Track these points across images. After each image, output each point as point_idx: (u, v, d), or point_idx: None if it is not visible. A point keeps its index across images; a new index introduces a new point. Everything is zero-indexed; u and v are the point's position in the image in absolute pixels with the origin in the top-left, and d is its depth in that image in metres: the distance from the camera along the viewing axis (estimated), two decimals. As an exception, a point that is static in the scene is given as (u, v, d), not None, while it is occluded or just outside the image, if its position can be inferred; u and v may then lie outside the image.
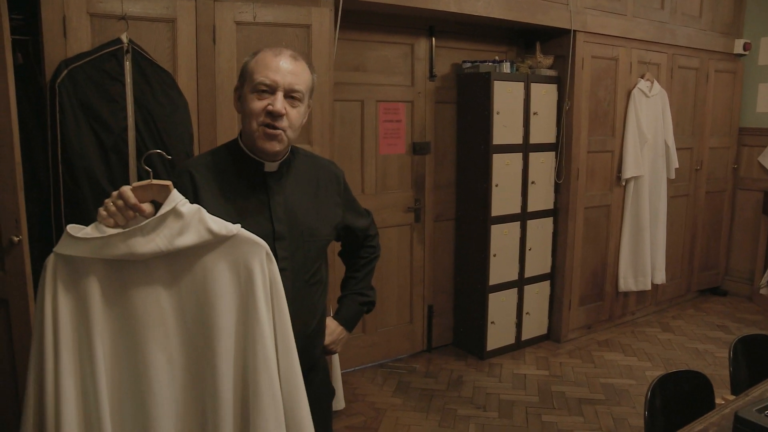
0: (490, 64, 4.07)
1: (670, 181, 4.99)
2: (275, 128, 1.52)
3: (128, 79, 2.56)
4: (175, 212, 1.32)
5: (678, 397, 2.05)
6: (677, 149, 4.98)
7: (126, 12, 2.60)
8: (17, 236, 2.22)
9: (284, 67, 1.52)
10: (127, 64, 2.56)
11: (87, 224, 1.32)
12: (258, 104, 1.51)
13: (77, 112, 2.46)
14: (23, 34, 2.53)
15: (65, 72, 2.44)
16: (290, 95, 1.53)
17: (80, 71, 2.47)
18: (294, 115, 1.55)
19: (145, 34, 2.67)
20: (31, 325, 2.28)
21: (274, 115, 1.50)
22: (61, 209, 2.46)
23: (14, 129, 2.20)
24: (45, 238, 2.51)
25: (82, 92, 2.47)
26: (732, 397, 2.15)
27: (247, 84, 1.55)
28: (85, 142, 2.48)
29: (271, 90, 1.51)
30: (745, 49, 5.47)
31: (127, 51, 2.56)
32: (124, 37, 2.56)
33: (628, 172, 4.64)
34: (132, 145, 2.57)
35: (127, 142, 2.56)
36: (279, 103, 1.50)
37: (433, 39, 4.10)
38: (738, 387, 2.33)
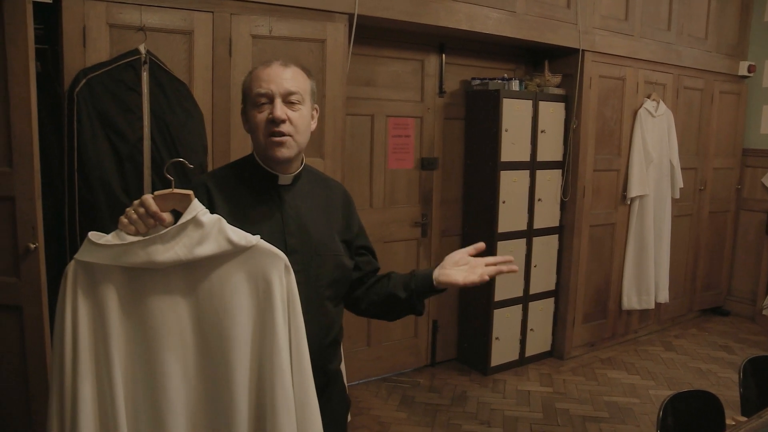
0: (499, 81, 4.10)
1: (674, 201, 5.02)
2: (281, 134, 1.54)
3: (145, 90, 2.58)
4: (195, 221, 1.32)
5: (689, 416, 2.06)
6: (682, 169, 5.01)
7: (144, 23, 2.64)
8: (34, 243, 2.23)
9: (276, 74, 1.55)
10: (145, 75, 2.58)
11: (101, 232, 1.32)
12: (260, 116, 1.54)
13: (94, 122, 2.48)
14: (42, 43, 2.56)
15: (84, 81, 2.47)
16: (288, 100, 1.55)
17: (98, 81, 2.50)
18: (297, 119, 1.56)
19: (162, 46, 2.70)
20: (44, 332, 2.29)
21: (276, 122, 1.52)
22: (75, 217, 2.48)
23: (34, 137, 2.22)
24: (59, 246, 2.52)
25: (100, 102, 2.49)
26: (742, 418, 2.15)
27: (248, 102, 1.58)
28: (101, 151, 2.49)
29: (269, 99, 1.54)
30: (749, 71, 5.52)
31: (145, 62, 2.58)
32: (141, 48, 2.59)
33: (634, 191, 4.67)
34: (147, 155, 2.59)
35: (143, 152, 2.58)
36: (278, 109, 1.52)
37: (443, 56, 4.14)
38: (748, 407, 2.33)
